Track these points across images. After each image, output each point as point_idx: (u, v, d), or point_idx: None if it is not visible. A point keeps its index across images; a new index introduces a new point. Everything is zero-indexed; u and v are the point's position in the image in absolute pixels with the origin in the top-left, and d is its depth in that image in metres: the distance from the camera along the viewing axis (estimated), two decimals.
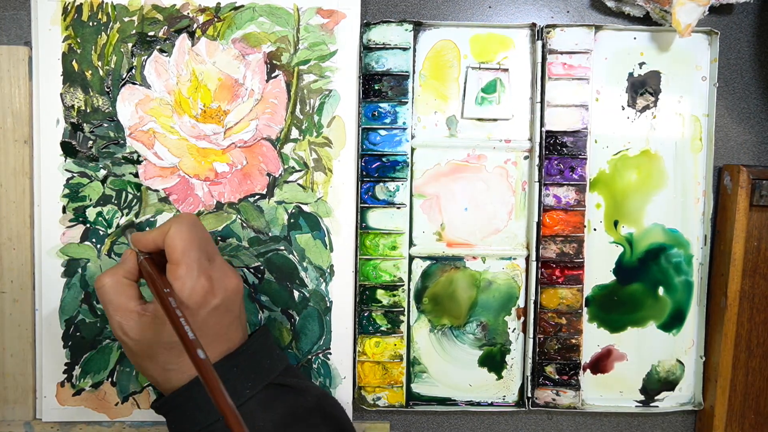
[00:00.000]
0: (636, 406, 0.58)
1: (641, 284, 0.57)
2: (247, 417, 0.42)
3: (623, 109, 0.56)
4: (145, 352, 0.43)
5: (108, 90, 0.54)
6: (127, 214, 0.54)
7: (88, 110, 0.54)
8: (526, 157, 0.56)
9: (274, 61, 0.54)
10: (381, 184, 0.55)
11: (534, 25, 0.55)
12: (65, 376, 0.55)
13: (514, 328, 0.57)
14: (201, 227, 0.45)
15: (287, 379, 0.46)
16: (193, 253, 0.42)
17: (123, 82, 0.54)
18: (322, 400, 0.48)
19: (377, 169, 0.55)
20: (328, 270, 0.55)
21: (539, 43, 0.54)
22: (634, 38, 0.55)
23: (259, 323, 0.55)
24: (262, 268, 0.55)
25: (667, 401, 0.58)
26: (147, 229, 0.54)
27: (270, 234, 0.55)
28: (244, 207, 0.55)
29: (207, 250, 0.44)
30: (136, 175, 0.54)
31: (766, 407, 0.58)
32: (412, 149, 0.55)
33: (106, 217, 0.54)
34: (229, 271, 0.45)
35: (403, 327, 0.56)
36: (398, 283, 0.55)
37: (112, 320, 0.43)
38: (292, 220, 0.55)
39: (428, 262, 0.56)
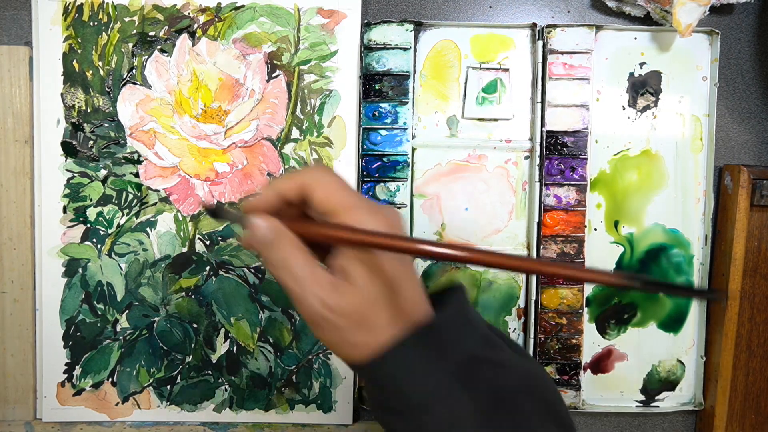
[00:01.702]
0: (636, 406, 0.58)
1: None
2: (446, 399, 0.34)
3: (624, 109, 0.56)
4: (353, 320, 0.35)
5: (108, 90, 0.54)
6: (127, 214, 0.54)
7: (89, 110, 0.54)
8: (526, 157, 0.56)
9: (275, 61, 0.54)
10: (381, 184, 0.55)
11: (534, 25, 0.55)
12: (65, 376, 0.55)
13: (515, 328, 0.57)
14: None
15: (488, 351, 0.37)
16: (355, 195, 0.35)
17: (123, 82, 0.54)
18: (530, 380, 0.38)
19: (378, 169, 0.55)
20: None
21: (540, 43, 0.54)
22: (635, 38, 0.55)
23: (260, 323, 0.55)
24: (262, 268, 0.55)
25: (667, 401, 0.58)
26: (147, 233, 0.54)
27: None
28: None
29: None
30: (136, 175, 0.54)
31: (767, 407, 0.58)
32: (413, 149, 0.55)
33: (107, 217, 0.54)
34: (381, 207, 0.36)
35: None
36: None
37: (306, 296, 0.34)
38: None
39: (428, 262, 0.56)
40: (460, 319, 0.37)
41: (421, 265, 0.56)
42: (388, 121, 0.54)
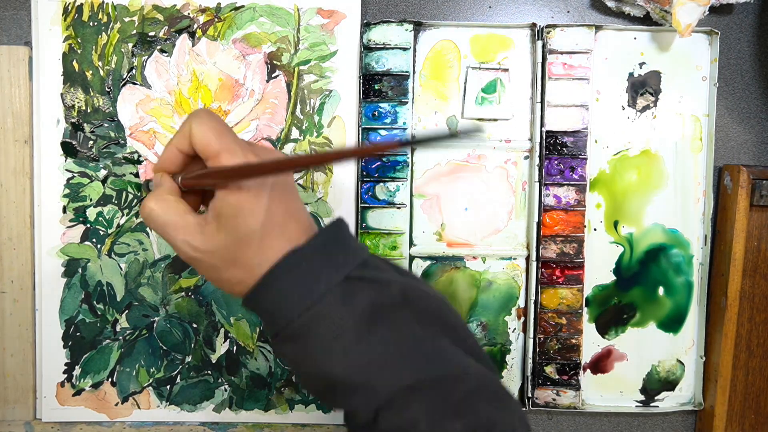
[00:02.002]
0: (636, 406, 0.58)
1: (641, 284, 0.57)
2: (323, 316, 0.37)
3: (623, 109, 0.56)
4: (224, 259, 0.38)
5: (108, 90, 0.54)
6: (127, 214, 0.54)
7: (89, 110, 0.54)
8: (526, 157, 0.56)
9: (275, 62, 0.54)
10: (381, 184, 0.55)
11: (534, 25, 0.55)
12: (65, 376, 0.55)
13: (514, 328, 0.57)
14: (219, 117, 0.40)
15: (366, 271, 0.40)
16: (229, 135, 0.38)
17: (123, 82, 0.54)
18: (408, 293, 0.41)
19: (377, 169, 0.55)
20: None
21: (539, 43, 0.54)
22: (635, 38, 0.55)
23: (260, 323, 0.55)
24: None
25: (667, 401, 0.58)
26: (147, 233, 0.55)
27: None
28: None
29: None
30: (136, 175, 0.54)
31: (766, 407, 0.58)
32: (413, 149, 0.55)
33: (107, 217, 0.54)
34: (274, 151, 0.40)
35: None
36: None
37: (176, 241, 0.38)
38: None
39: (428, 262, 0.56)
40: (337, 245, 0.40)
41: (420, 265, 0.56)
42: (387, 121, 0.54)
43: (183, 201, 0.39)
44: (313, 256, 0.39)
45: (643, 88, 0.56)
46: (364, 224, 0.55)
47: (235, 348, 0.56)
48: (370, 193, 0.55)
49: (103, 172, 0.54)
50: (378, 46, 0.54)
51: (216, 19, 0.54)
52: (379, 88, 0.54)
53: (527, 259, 0.56)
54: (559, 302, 0.56)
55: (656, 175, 0.56)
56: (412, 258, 0.56)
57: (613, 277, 0.57)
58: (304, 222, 0.40)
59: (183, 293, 0.55)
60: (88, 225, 0.54)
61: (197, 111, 0.39)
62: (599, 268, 0.56)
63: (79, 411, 0.55)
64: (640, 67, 0.56)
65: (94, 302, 0.55)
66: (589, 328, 0.57)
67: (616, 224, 0.56)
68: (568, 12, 0.57)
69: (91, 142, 0.54)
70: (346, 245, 0.41)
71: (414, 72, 0.55)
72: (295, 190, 0.41)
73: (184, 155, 0.39)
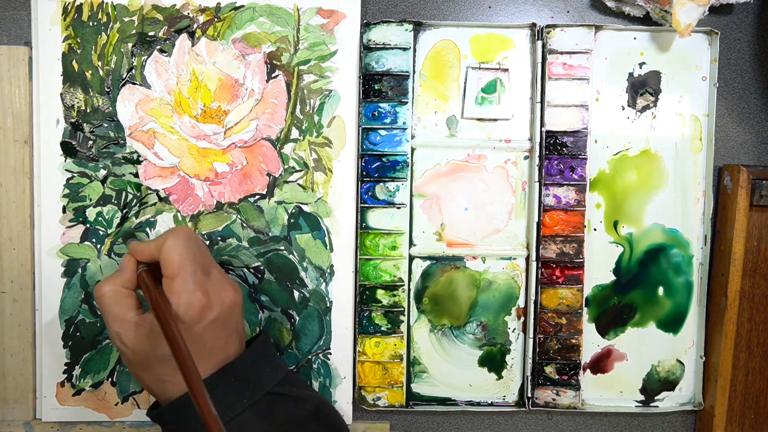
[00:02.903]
0: (636, 406, 0.58)
1: (641, 284, 0.57)
2: (244, 427, 0.42)
3: (623, 109, 0.56)
4: (142, 362, 0.43)
5: (108, 90, 0.54)
6: (127, 214, 0.55)
7: (88, 110, 0.54)
8: (526, 157, 0.56)
9: (274, 61, 0.54)
10: (381, 184, 0.55)
11: (534, 25, 0.55)
12: (65, 376, 0.55)
13: (514, 328, 0.57)
14: (197, 239, 0.45)
15: (285, 388, 0.46)
16: (188, 266, 0.42)
17: (123, 82, 0.54)
18: (321, 408, 0.47)
19: (377, 169, 0.55)
20: (328, 270, 0.55)
21: (539, 43, 0.54)
22: (634, 38, 0.55)
23: (260, 323, 0.55)
24: (262, 268, 0.55)
25: (667, 401, 0.58)
26: (147, 233, 0.55)
27: (270, 234, 0.55)
28: (244, 207, 0.55)
29: (203, 263, 0.44)
30: (136, 175, 0.54)
31: (766, 407, 0.58)
32: (412, 149, 0.55)
33: (106, 217, 0.54)
34: (225, 284, 0.45)
35: (403, 327, 0.56)
36: (398, 283, 0.55)
37: (110, 329, 0.43)
38: (292, 220, 0.55)
39: (428, 262, 0.56)
40: (259, 362, 0.45)
41: (420, 265, 0.56)
42: (387, 121, 0.54)
43: (132, 295, 0.44)
44: (236, 374, 0.43)
45: (643, 88, 0.56)
46: (364, 224, 0.55)
47: None
48: (370, 193, 0.55)
49: (102, 172, 0.54)
50: (378, 46, 0.54)
51: (216, 19, 0.54)
52: (379, 88, 0.54)
53: (527, 259, 0.56)
54: (559, 302, 0.56)
55: (656, 175, 0.56)
56: (411, 258, 0.56)
57: (613, 277, 0.57)
58: (229, 349, 0.44)
59: None
60: (88, 225, 0.54)
61: (179, 229, 0.45)
62: (599, 268, 0.56)
63: (79, 411, 0.55)
64: (640, 67, 0.56)
65: (94, 302, 0.55)
66: (589, 328, 0.57)
67: (616, 224, 0.56)
68: (568, 12, 0.57)
69: (90, 142, 0.54)
70: (270, 361, 0.46)
71: (414, 72, 0.55)
72: (232, 320, 0.45)
73: (153, 258, 0.44)
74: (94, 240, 0.54)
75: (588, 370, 0.57)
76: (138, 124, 0.54)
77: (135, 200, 0.54)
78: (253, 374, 0.44)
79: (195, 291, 0.42)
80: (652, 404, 0.58)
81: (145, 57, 0.54)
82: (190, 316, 0.41)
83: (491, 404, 0.57)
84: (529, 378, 0.56)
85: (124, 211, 0.55)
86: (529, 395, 0.56)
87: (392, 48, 0.54)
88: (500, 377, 0.57)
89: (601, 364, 0.57)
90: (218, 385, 0.42)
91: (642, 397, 0.58)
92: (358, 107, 0.54)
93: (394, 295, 0.55)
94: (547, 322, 0.56)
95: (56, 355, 0.55)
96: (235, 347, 0.45)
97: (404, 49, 0.54)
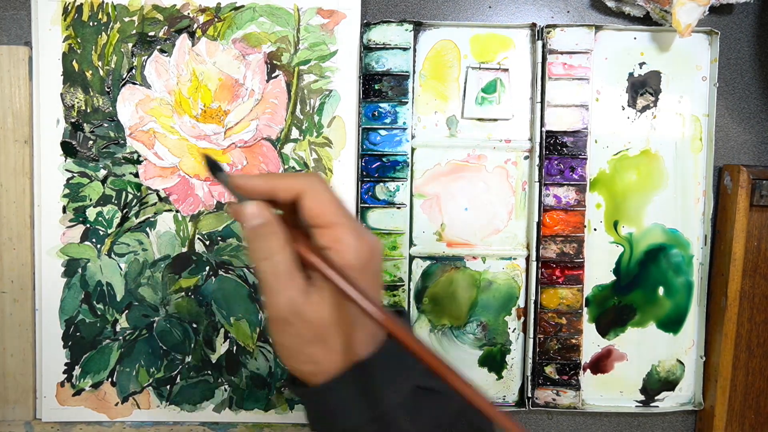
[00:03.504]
0: (636, 406, 0.58)
1: (641, 284, 0.57)
2: (390, 427, 0.35)
3: (623, 109, 0.56)
4: (316, 332, 0.35)
5: (108, 90, 0.54)
6: (127, 214, 0.54)
7: (89, 110, 0.54)
8: (526, 157, 0.56)
9: (275, 61, 0.54)
10: (381, 184, 0.55)
11: (534, 25, 0.55)
12: (65, 376, 0.55)
13: (514, 328, 0.57)
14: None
15: (431, 381, 0.38)
16: (345, 211, 0.35)
17: (123, 82, 0.54)
18: (467, 407, 0.38)
19: (377, 169, 0.55)
20: None
21: (539, 43, 0.54)
22: (635, 38, 0.55)
23: (260, 323, 0.55)
24: None
25: (667, 401, 0.58)
26: (147, 233, 0.54)
27: None
28: None
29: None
30: (136, 175, 0.54)
31: (766, 407, 0.58)
32: (412, 149, 0.55)
33: (106, 217, 0.54)
34: (366, 230, 0.36)
35: None
36: (398, 283, 0.55)
37: (278, 296, 0.34)
38: None
39: (428, 262, 0.56)
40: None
41: (420, 265, 0.56)
42: (387, 121, 0.54)
43: (295, 254, 0.35)
44: (391, 358, 0.36)
45: (643, 88, 0.56)
46: (364, 224, 0.55)
47: (235, 348, 0.56)
48: (370, 193, 0.55)
49: (102, 172, 0.54)
50: (378, 46, 0.54)
51: (216, 19, 0.54)
52: (379, 88, 0.54)
53: (527, 259, 0.56)
54: (559, 302, 0.56)
55: (656, 175, 0.56)
56: (412, 258, 0.56)
57: (613, 277, 0.57)
58: (380, 307, 0.36)
59: (183, 293, 0.55)
60: (88, 225, 0.54)
61: (313, 174, 0.37)
62: (599, 268, 0.56)
63: (79, 411, 0.55)
64: (640, 67, 0.56)
65: (94, 302, 0.55)
66: (589, 328, 0.57)
67: (616, 224, 0.56)
68: (568, 12, 0.57)
69: (90, 142, 0.54)
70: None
71: (414, 72, 0.55)
72: (381, 270, 0.38)
73: (271, 197, 0.35)
74: (94, 240, 0.54)
75: (588, 370, 0.57)
76: (138, 124, 0.54)
77: (135, 200, 0.54)
78: (401, 362, 0.37)
79: (362, 236, 0.34)
80: (652, 404, 0.58)
81: (146, 57, 0.54)
82: (360, 265, 0.34)
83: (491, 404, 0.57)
84: (530, 378, 0.56)
85: (124, 211, 0.55)
86: (530, 395, 0.56)
87: (392, 48, 0.54)
88: (500, 377, 0.57)
89: (601, 364, 0.57)
90: (374, 368, 0.36)
91: (642, 397, 0.58)
92: (358, 107, 0.54)
93: (395, 295, 0.55)
94: (547, 322, 0.56)
95: (56, 355, 0.55)
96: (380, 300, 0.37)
97: (404, 49, 0.54)
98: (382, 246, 0.38)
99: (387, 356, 0.37)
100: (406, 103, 0.54)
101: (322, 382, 0.36)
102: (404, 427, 0.36)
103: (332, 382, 0.35)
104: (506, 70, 0.55)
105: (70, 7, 0.53)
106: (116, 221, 0.54)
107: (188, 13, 0.54)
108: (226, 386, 0.56)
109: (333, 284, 0.34)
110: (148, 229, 0.55)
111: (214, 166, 0.36)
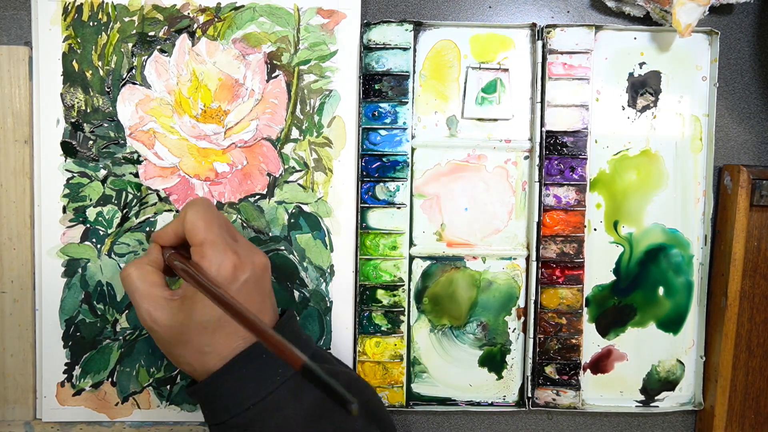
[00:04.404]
0: (636, 406, 0.58)
1: (641, 284, 0.57)
2: (275, 406, 0.41)
3: (623, 109, 0.56)
4: (178, 337, 0.41)
5: (108, 90, 0.54)
6: (127, 214, 0.54)
7: (89, 110, 0.54)
8: (526, 157, 0.56)
9: (275, 61, 0.54)
10: (381, 184, 0.55)
11: (534, 25, 0.55)
12: (65, 376, 0.55)
13: (514, 328, 0.57)
14: (215, 208, 0.44)
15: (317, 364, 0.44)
16: (215, 229, 0.42)
17: (123, 82, 0.54)
18: (352, 384, 0.46)
19: (377, 169, 0.55)
20: (328, 270, 0.55)
21: (539, 43, 0.54)
22: (635, 38, 0.55)
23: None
24: None
25: (667, 401, 0.58)
26: (147, 233, 0.55)
27: (270, 234, 0.55)
28: (245, 207, 0.55)
29: (228, 228, 0.44)
30: (136, 175, 0.54)
31: (766, 407, 0.58)
32: (413, 149, 0.55)
33: (107, 217, 0.54)
34: (254, 248, 0.44)
35: (404, 327, 0.56)
36: (398, 283, 0.55)
37: (140, 309, 0.42)
38: (292, 220, 0.55)
39: (428, 262, 0.56)
40: (291, 336, 0.44)
41: (420, 265, 0.56)
42: (387, 121, 0.54)
43: (159, 274, 0.43)
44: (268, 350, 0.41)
45: (643, 88, 0.56)
46: (364, 224, 0.55)
47: None
48: (370, 193, 0.55)
49: (102, 172, 0.54)
50: (378, 46, 0.54)
51: (216, 19, 0.54)
52: (379, 88, 0.54)
53: (527, 259, 0.56)
54: (559, 302, 0.56)
55: (656, 175, 0.56)
56: (412, 258, 0.56)
57: (613, 277, 0.57)
58: (264, 317, 0.43)
59: None
60: (88, 225, 0.54)
61: (196, 199, 0.44)
62: (599, 268, 0.56)
63: (79, 411, 0.55)
64: (640, 67, 0.56)
65: (94, 302, 0.55)
66: (589, 328, 0.57)
67: (616, 224, 0.56)
68: (568, 12, 0.57)
69: (90, 142, 0.54)
70: (298, 337, 0.45)
71: (414, 72, 0.55)
72: (265, 284, 0.44)
73: (178, 236, 0.44)
74: (94, 240, 0.54)
75: (588, 370, 0.57)
76: (138, 124, 0.54)
77: (135, 200, 0.54)
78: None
79: (225, 251, 0.41)
80: (652, 404, 0.58)
81: (146, 57, 0.54)
82: (223, 277, 0.40)
83: (491, 404, 0.57)
84: (530, 378, 0.56)
85: (124, 211, 0.55)
86: (530, 395, 0.56)
87: (392, 48, 0.54)
88: (500, 377, 0.57)
89: (601, 364, 0.57)
90: (252, 359, 0.41)
91: (642, 397, 0.58)
92: (359, 107, 0.54)
93: (395, 295, 0.55)
94: (547, 322, 0.56)
95: (56, 355, 0.55)
96: (269, 317, 0.44)
97: (404, 49, 0.54)
98: (262, 262, 0.43)
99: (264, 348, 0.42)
100: (406, 103, 0.54)
101: (203, 379, 0.42)
102: (289, 408, 0.41)
103: (209, 379, 0.42)
104: (506, 70, 0.55)
105: (70, 7, 0.53)
106: (116, 221, 0.54)
107: (188, 13, 0.54)
108: None
109: (191, 282, 0.40)
110: (148, 228, 0.55)
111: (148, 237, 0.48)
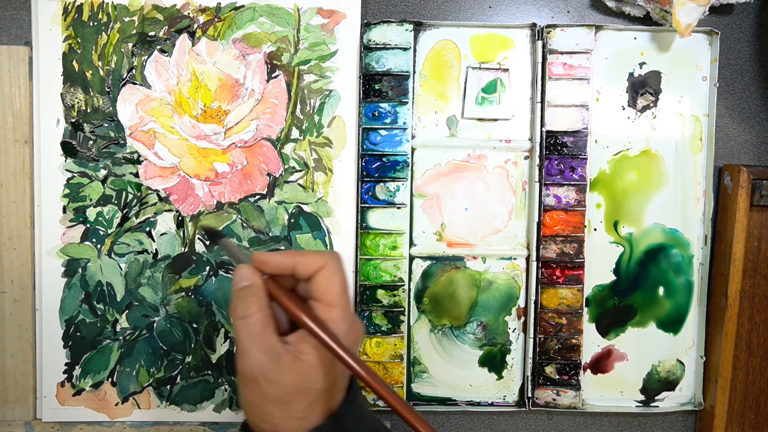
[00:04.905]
0: (636, 406, 0.58)
1: (641, 284, 0.57)
2: None
3: (623, 109, 0.56)
4: (279, 396, 0.37)
5: (108, 90, 0.54)
6: (127, 214, 0.54)
7: (89, 110, 0.54)
8: (526, 157, 0.56)
9: (275, 61, 0.54)
10: (381, 184, 0.55)
11: (534, 25, 0.55)
12: (65, 376, 0.55)
13: (515, 328, 0.57)
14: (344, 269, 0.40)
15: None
16: (348, 298, 0.38)
17: (123, 82, 0.54)
18: None
19: (377, 169, 0.55)
20: None
21: (539, 43, 0.54)
22: (635, 38, 0.55)
23: None
24: None
25: (667, 401, 0.58)
26: (149, 233, 0.55)
27: (270, 234, 0.55)
28: (245, 207, 0.55)
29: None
30: (136, 175, 0.54)
31: (766, 407, 0.58)
32: (413, 149, 0.55)
33: (107, 217, 0.54)
34: (357, 317, 0.40)
35: (404, 327, 0.56)
36: (398, 283, 0.55)
37: (250, 355, 0.36)
38: (292, 220, 0.55)
39: (428, 262, 0.56)
40: (363, 414, 0.40)
41: (420, 265, 0.56)
42: (387, 121, 0.54)
43: (274, 318, 0.38)
44: (345, 423, 0.39)
45: (643, 88, 0.56)
46: (364, 224, 0.55)
47: (235, 348, 0.56)
48: (370, 193, 0.55)
49: (102, 172, 0.54)
50: (378, 46, 0.54)
51: (216, 19, 0.54)
52: (379, 88, 0.54)
53: (527, 259, 0.56)
54: (559, 302, 0.56)
55: (656, 175, 0.56)
56: (412, 258, 0.56)
57: (613, 277, 0.57)
58: (343, 389, 0.40)
59: (183, 293, 0.55)
60: (88, 225, 0.54)
61: (336, 254, 0.39)
62: (599, 268, 0.56)
63: (79, 411, 0.55)
64: (640, 67, 0.56)
65: (94, 302, 0.55)
66: (589, 328, 0.57)
67: (616, 224, 0.56)
68: (568, 12, 0.57)
69: (91, 142, 0.54)
70: (364, 410, 0.41)
71: (414, 72, 0.55)
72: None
73: (282, 269, 0.38)
74: (94, 240, 0.54)
75: (588, 370, 0.57)
76: (138, 124, 0.54)
77: (135, 200, 0.54)
78: (359, 428, 0.40)
79: (353, 323, 0.38)
80: (652, 404, 0.58)
81: (146, 57, 0.54)
82: (346, 345, 0.36)
83: (491, 404, 0.57)
84: (530, 378, 0.56)
85: (125, 211, 0.55)
86: (530, 395, 0.56)
87: (392, 48, 0.54)
88: (500, 377, 0.57)
89: (601, 364, 0.57)
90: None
91: (642, 397, 0.58)
92: (359, 107, 0.54)
93: (395, 295, 0.55)
94: (547, 322, 0.56)
95: (56, 355, 0.55)
96: (344, 392, 0.40)
97: (404, 49, 0.54)
98: (362, 334, 0.40)
99: (349, 418, 0.39)
100: (406, 103, 0.54)
101: None
102: None
103: None
104: (506, 70, 0.55)
105: (70, 7, 0.53)
106: (116, 221, 0.54)
107: (188, 13, 0.54)
108: (226, 386, 0.56)
109: (319, 341, 0.36)
110: (148, 229, 0.55)
111: (214, 235, 0.38)
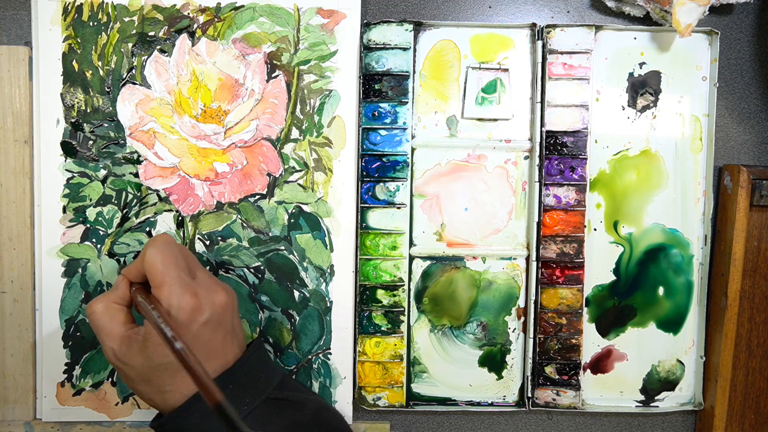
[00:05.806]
0: (636, 406, 0.58)
1: (641, 284, 0.57)
2: None
3: (623, 109, 0.56)
4: (140, 375, 0.43)
5: (108, 90, 0.54)
6: (127, 214, 0.55)
7: (89, 110, 0.54)
8: (526, 157, 0.56)
9: (275, 61, 0.54)
10: (381, 184, 0.55)
11: (534, 25, 0.55)
12: (65, 376, 0.55)
13: (514, 328, 0.57)
14: (176, 245, 0.45)
15: (284, 393, 0.45)
16: (172, 271, 0.42)
17: (123, 82, 0.54)
18: (321, 413, 0.47)
19: (377, 169, 0.55)
20: (328, 270, 0.55)
21: (539, 43, 0.54)
22: (635, 38, 0.55)
23: (260, 323, 0.55)
24: (262, 268, 0.55)
25: (667, 401, 0.58)
26: (149, 233, 0.55)
27: (270, 234, 0.55)
28: (245, 207, 0.55)
29: (187, 266, 0.44)
30: (136, 175, 0.54)
31: (766, 407, 0.58)
32: (413, 149, 0.55)
33: (107, 217, 0.54)
34: (214, 285, 0.45)
35: (404, 327, 0.56)
36: (398, 283, 0.55)
37: (104, 346, 0.43)
38: (292, 220, 0.55)
39: (428, 262, 0.56)
40: (255, 367, 0.45)
41: (420, 265, 0.56)
42: (387, 121, 0.54)
43: (125, 310, 0.44)
44: (234, 380, 0.43)
45: (643, 88, 0.56)
46: (364, 224, 0.55)
47: None
48: (370, 193, 0.55)
49: (102, 172, 0.54)
50: (378, 46, 0.54)
51: (216, 19, 0.54)
52: (379, 88, 0.54)
53: (527, 259, 0.56)
54: (559, 302, 0.56)
55: (656, 175, 0.56)
56: (412, 258, 0.56)
57: (613, 277, 0.57)
58: (227, 353, 0.44)
59: None
60: (88, 225, 0.54)
61: (156, 237, 0.45)
62: (599, 268, 0.56)
63: (79, 411, 0.55)
64: (640, 67, 0.56)
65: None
66: (589, 328, 0.57)
67: (616, 224, 0.56)
68: (568, 12, 0.57)
69: (90, 142, 0.54)
70: (265, 366, 0.46)
71: (414, 72, 0.55)
72: (226, 321, 0.45)
73: (142, 273, 0.44)
74: (94, 240, 0.54)
75: (588, 370, 0.57)
76: (138, 124, 0.54)
77: (135, 200, 0.54)
78: (251, 380, 0.44)
79: (183, 294, 0.42)
80: (652, 404, 0.58)
81: (146, 57, 0.54)
82: (181, 319, 0.41)
83: (491, 404, 0.57)
84: (530, 378, 0.56)
85: (124, 211, 0.55)
86: (530, 395, 0.56)
87: (392, 48, 0.54)
88: (500, 377, 0.57)
89: (601, 364, 0.57)
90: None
91: (642, 397, 0.58)
92: (359, 107, 0.54)
93: (394, 295, 0.55)
94: (547, 322, 0.56)
95: (56, 355, 0.55)
96: (233, 351, 0.45)
97: (404, 49, 0.54)
98: (222, 301, 0.44)
99: (237, 374, 0.44)
100: (406, 103, 0.54)
101: (169, 412, 0.43)
102: None
103: (171, 414, 0.43)
104: (506, 70, 0.55)
105: (70, 7, 0.53)
106: (116, 221, 0.54)
107: (188, 13, 0.54)
108: None
109: (149, 320, 0.41)
110: (148, 228, 0.55)
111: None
